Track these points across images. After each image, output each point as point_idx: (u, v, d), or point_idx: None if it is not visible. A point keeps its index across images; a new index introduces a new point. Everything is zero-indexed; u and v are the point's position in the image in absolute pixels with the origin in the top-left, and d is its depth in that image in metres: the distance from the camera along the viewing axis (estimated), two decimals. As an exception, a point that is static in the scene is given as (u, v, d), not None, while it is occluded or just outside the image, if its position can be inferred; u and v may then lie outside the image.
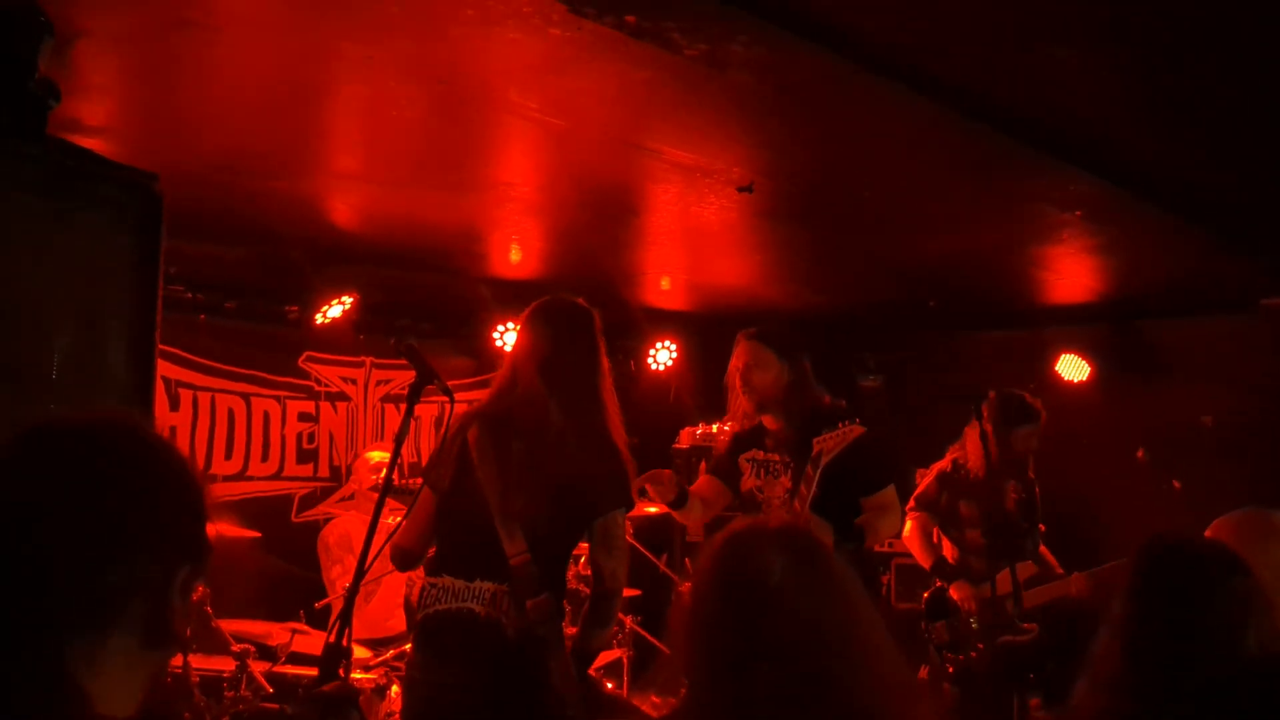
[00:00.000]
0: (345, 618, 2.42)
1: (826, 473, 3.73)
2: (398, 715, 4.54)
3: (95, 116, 3.46)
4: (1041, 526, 5.16)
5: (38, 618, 1.18)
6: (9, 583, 1.18)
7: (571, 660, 3.08)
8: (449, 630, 3.03)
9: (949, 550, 5.06)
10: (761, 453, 4.05)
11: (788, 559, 1.64)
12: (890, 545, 6.22)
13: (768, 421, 4.04)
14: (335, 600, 5.09)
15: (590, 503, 3.10)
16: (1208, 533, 2.40)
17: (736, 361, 4.02)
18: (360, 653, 4.49)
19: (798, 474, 3.86)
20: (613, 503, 3.13)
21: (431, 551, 3.23)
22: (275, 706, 4.20)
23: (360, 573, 2.43)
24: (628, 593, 6.34)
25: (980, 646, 4.82)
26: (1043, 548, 5.17)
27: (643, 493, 3.86)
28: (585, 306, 3.29)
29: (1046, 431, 5.10)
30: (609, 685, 5.83)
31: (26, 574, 1.18)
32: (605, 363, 3.25)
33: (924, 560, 5.00)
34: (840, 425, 3.72)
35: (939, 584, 4.99)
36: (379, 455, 5.50)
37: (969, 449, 5.05)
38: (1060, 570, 4.95)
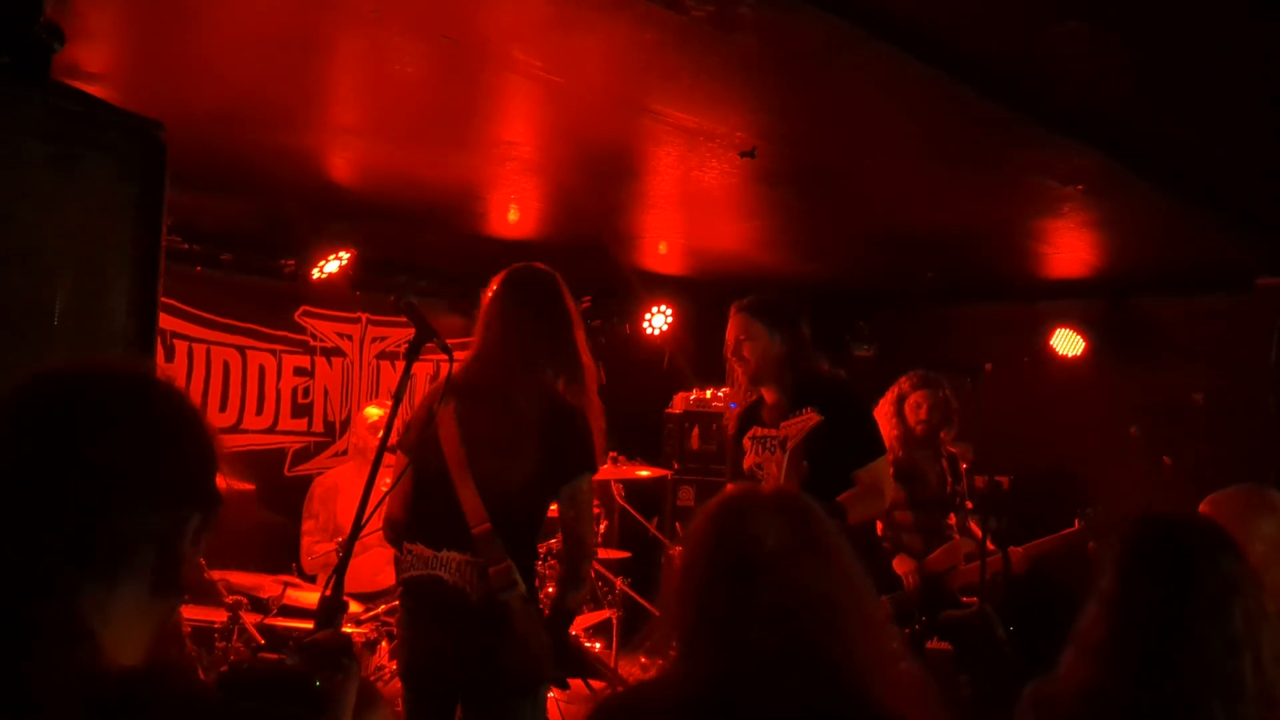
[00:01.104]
0: (340, 571, 2.43)
1: (795, 457, 3.70)
2: (386, 671, 4.60)
3: (94, 62, 3.42)
4: (969, 504, 5.21)
5: (50, 565, 1.17)
6: (21, 530, 1.18)
7: (553, 618, 3.23)
8: (423, 595, 3.18)
9: (880, 529, 5.11)
10: (760, 429, 4.03)
11: (782, 524, 1.64)
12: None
13: (765, 393, 4.04)
14: (327, 555, 5.14)
15: (555, 468, 3.16)
16: (1202, 508, 2.42)
17: (729, 334, 4.03)
18: (352, 607, 4.52)
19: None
20: (577, 467, 3.18)
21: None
22: (274, 657, 4.23)
23: (357, 527, 2.44)
24: (618, 554, 6.41)
25: (924, 620, 4.87)
26: (971, 524, 5.22)
27: None
28: (550, 272, 3.34)
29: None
30: (595, 646, 5.90)
31: (38, 521, 1.18)
32: (577, 329, 3.30)
33: None
34: (803, 411, 3.68)
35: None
36: (377, 412, 5.51)
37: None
38: (991, 546, 5.00)
